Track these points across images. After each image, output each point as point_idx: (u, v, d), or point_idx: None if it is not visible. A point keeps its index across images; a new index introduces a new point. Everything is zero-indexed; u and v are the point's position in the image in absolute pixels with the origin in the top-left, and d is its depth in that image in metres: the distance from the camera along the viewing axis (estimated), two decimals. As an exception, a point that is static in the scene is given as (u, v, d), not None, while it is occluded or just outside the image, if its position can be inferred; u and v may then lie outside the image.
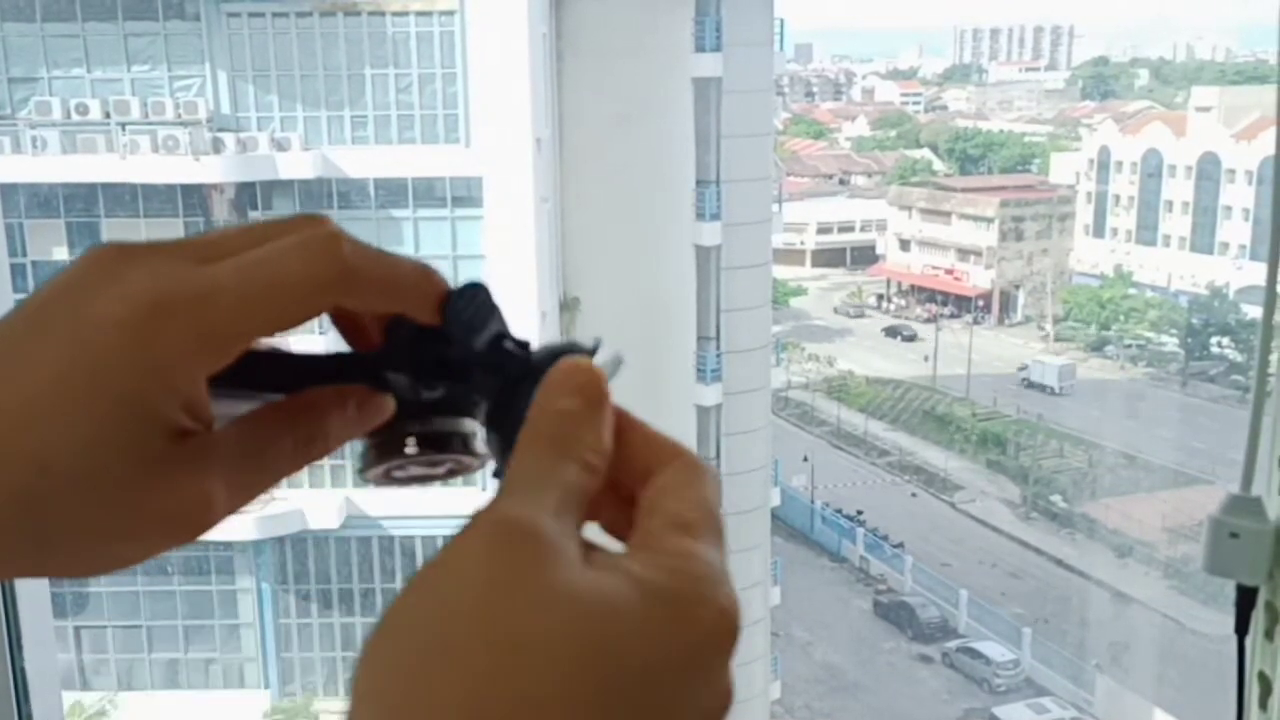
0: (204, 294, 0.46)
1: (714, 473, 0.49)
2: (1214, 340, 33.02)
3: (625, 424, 0.48)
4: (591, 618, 0.40)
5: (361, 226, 15.56)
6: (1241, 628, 1.53)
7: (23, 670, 1.91)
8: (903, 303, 42.38)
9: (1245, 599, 1.51)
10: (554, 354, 0.49)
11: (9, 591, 1.89)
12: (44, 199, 15.52)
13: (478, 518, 0.42)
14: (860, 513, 27.88)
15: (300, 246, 0.47)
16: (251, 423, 0.50)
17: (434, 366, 0.51)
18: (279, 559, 16.17)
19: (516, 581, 0.40)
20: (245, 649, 16.42)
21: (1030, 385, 33.87)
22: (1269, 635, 1.52)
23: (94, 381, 0.45)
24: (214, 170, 15.31)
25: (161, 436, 0.46)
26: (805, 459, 29.26)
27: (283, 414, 0.51)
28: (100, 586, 16.01)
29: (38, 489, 0.45)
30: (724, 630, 0.43)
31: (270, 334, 0.48)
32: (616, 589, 0.41)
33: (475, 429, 0.52)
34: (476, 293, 0.51)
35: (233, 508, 0.49)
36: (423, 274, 0.50)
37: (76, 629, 15.93)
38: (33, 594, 1.97)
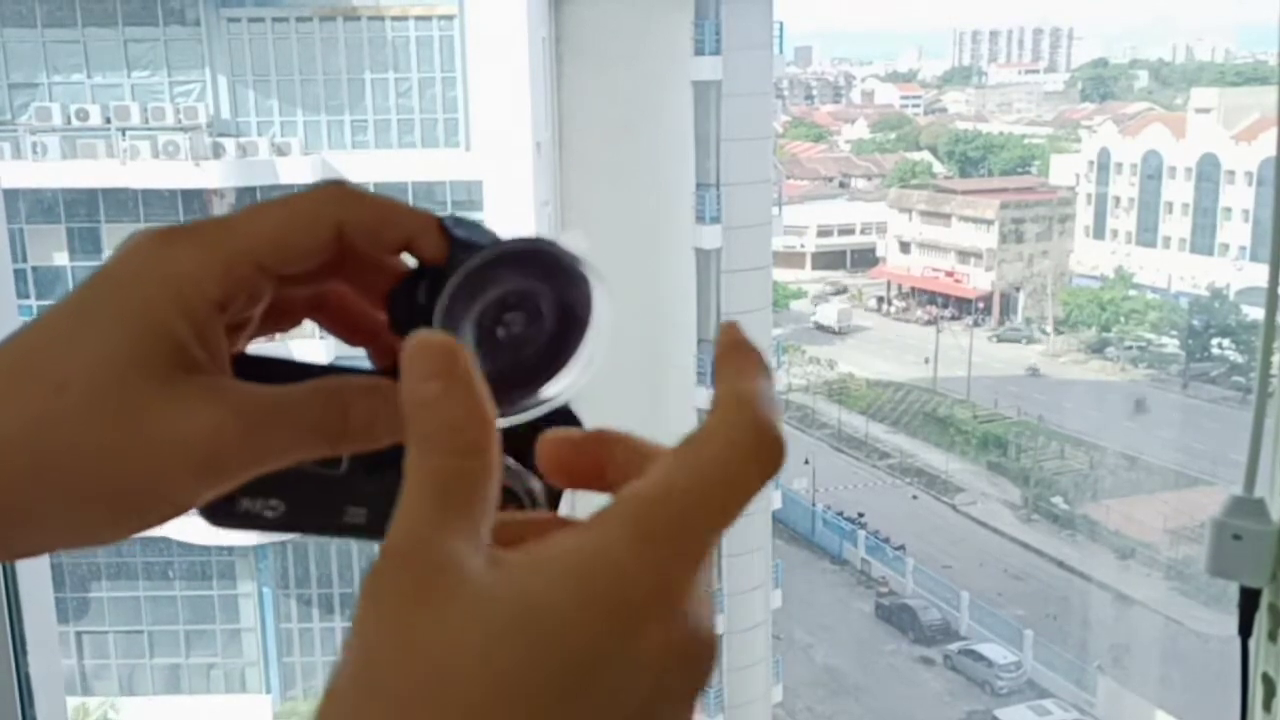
0: (216, 221, 0.49)
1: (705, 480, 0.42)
2: (1215, 341, 33.01)
3: (608, 439, 0.46)
4: (495, 622, 0.37)
5: (362, 231, 15.59)
6: (1245, 629, 1.53)
7: (27, 675, 1.91)
8: (903, 305, 42.38)
9: (1248, 601, 1.52)
10: (500, 252, 0.49)
11: (13, 595, 1.90)
12: (45, 205, 15.54)
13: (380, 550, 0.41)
14: (861, 515, 27.87)
15: (308, 187, 0.50)
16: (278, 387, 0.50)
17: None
18: (280, 563, 16.18)
19: (411, 612, 0.37)
20: (247, 654, 16.42)
21: (820, 328, 39.17)
22: (1272, 637, 1.52)
23: (109, 298, 0.47)
24: (214, 175, 15.32)
25: (174, 356, 0.47)
26: (806, 462, 29.25)
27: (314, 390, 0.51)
28: (101, 591, 16.02)
29: (55, 409, 0.46)
30: (660, 634, 0.38)
31: (280, 262, 0.49)
32: (527, 586, 0.38)
33: None
34: (464, 219, 0.51)
35: (248, 461, 0.49)
36: (420, 209, 0.51)
37: (78, 634, 15.93)
38: (36, 598, 1.97)
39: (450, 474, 0.40)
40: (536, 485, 0.52)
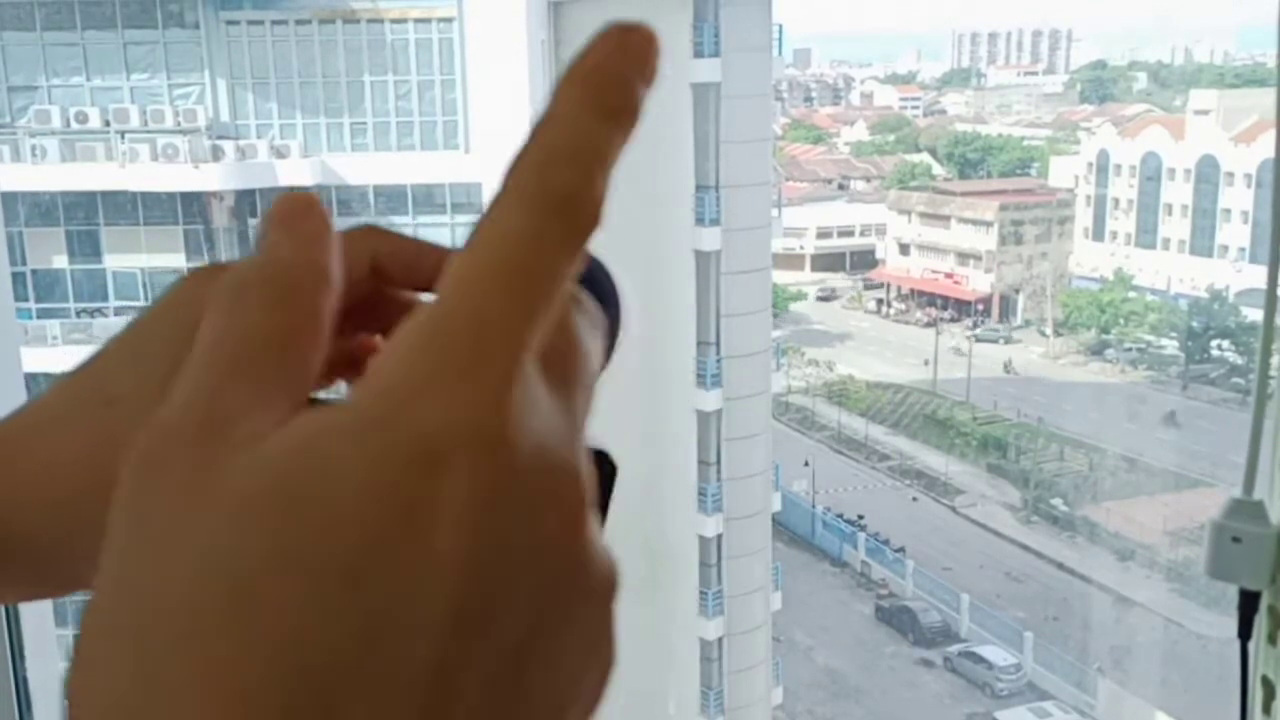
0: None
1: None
2: (1214, 343, 33.03)
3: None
4: (247, 503, 0.29)
5: (361, 233, 15.60)
6: (1244, 632, 1.53)
7: (25, 679, 1.91)
8: (903, 307, 42.41)
9: (1248, 603, 1.51)
10: None
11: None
12: (44, 207, 15.54)
13: None
14: (861, 517, 27.87)
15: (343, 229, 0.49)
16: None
17: None
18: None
19: (163, 498, 0.31)
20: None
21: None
22: (1272, 640, 1.52)
23: (161, 323, 0.48)
24: (213, 178, 15.33)
25: None
26: (806, 464, 29.26)
27: None
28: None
29: (106, 423, 0.47)
30: (468, 473, 0.29)
31: (320, 288, 0.50)
32: (297, 448, 0.30)
33: None
34: None
35: None
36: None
37: (77, 637, 15.92)
38: (35, 603, 1.97)
39: (255, 326, 0.33)
40: None
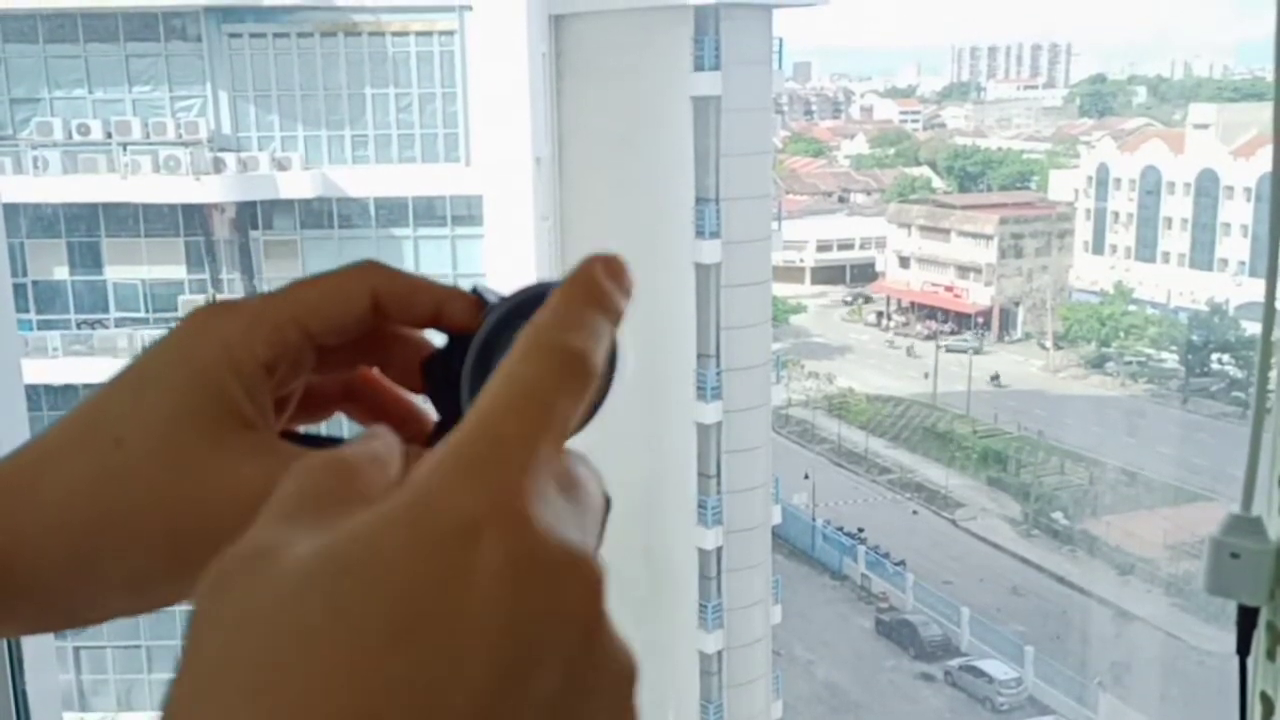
0: (264, 294, 0.52)
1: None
2: (1214, 357, 33.02)
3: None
4: (303, 580, 0.34)
5: (362, 245, 15.59)
6: (1243, 648, 1.53)
7: (24, 691, 1.91)
8: (902, 320, 42.41)
9: (1246, 619, 1.51)
10: (520, 300, 0.51)
11: (10, 614, 1.89)
12: (45, 219, 15.56)
13: None
14: (861, 530, 27.83)
15: (346, 264, 0.53)
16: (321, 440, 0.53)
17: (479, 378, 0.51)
18: (279, 578, 16.14)
19: (232, 586, 0.35)
20: (245, 669, 16.38)
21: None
22: (1271, 655, 1.52)
23: (167, 361, 0.50)
24: (215, 190, 15.35)
25: (227, 412, 0.50)
26: (806, 476, 29.23)
27: None
28: (100, 606, 15.97)
29: (114, 463, 0.48)
30: (498, 551, 0.34)
31: (323, 325, 0.52)
32: (339, 539, 0.35)
33: None
34: (491, 288, 0.54)
35: None
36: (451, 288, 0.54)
37: (76, 649, 15.89)
38: (34, 616, 1.97)
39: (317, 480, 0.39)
40: None
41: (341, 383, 0.56)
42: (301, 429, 0.56)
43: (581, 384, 0.40)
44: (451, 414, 0.52)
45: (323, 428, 0.58)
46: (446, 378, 0.52)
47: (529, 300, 0.51)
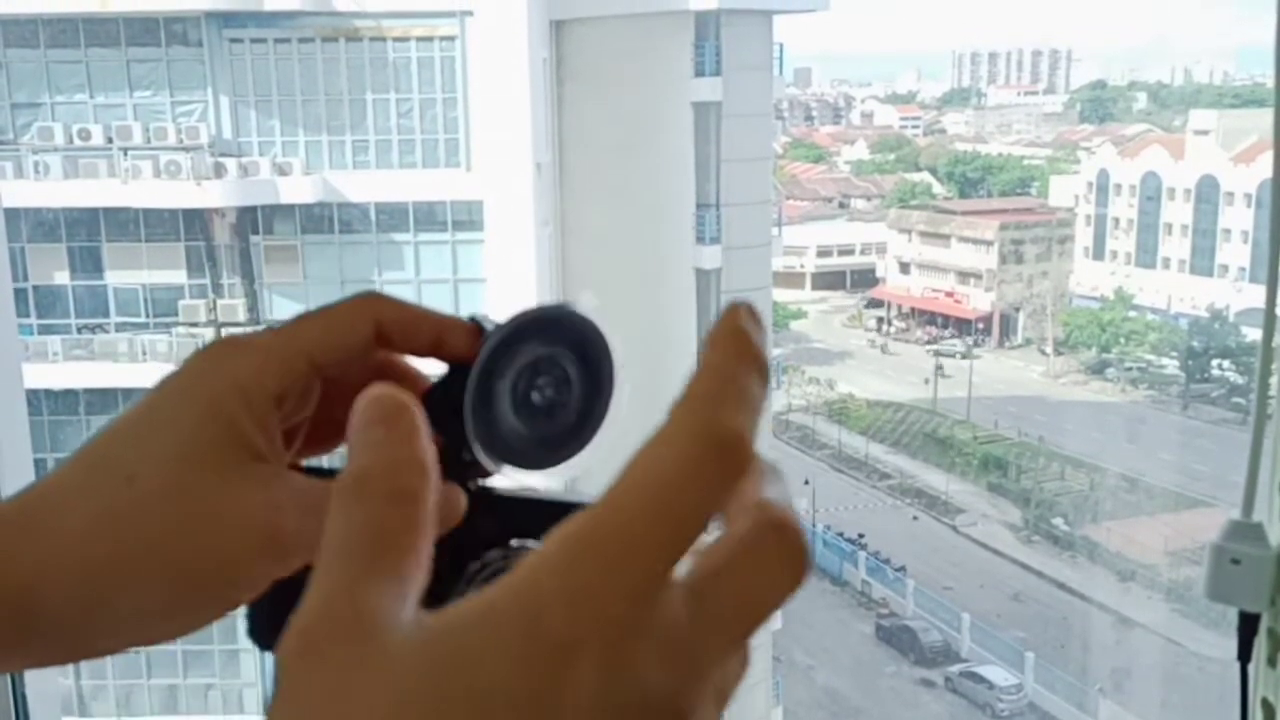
0: (270, 328, 0.54)
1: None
2: (1215, 363, 33.01)
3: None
4: (405, 682, 0.34)
5: (362, 250, 15.61)
6: (1244, 654, 1.53)
7: (24, 696, 1.91)
8: (903, 325, 42.43)
9: (1247, 625, 1.51)
10: (517, 325, 0.51)
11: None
12: (46, 224, 15.57)
13: None
14: (862, 536, 27.81)
15: (349, 295, 0.54)
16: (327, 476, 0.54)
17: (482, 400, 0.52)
18: (279, 583, 16.13)
19: (323, 675, 0.35)
20: (245, 674, 16.36)
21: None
22: (1271, 662, 1.51)
23: (177, 395, 0.51)
24: (215, 195, 15.36)
25: (237, 444, 0.50)
26: (806, 482, 29.21)
27: None
28: (99, 611, 15.95)
29: (126, 499, 0.49)
30: (593, 681, 0.33)
31: (328, 354, 0.53)
32: (441, 639, 0.34)
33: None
34: (489, 318, 0.54)
35: (309, 539, 0.48)
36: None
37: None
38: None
39: (381, 522, 0.37)
40: None
41: (346, 415, 0.57)
42: (307, 462, 0.57)
43: (735, 474, 0.36)
44: (455, 443, 0.52)
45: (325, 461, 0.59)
46: (448, 407, 0.52)
47: (527, 324, 0.51)
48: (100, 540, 0.49)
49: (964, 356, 37.38)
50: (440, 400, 0.53)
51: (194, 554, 0.50)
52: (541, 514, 0.50)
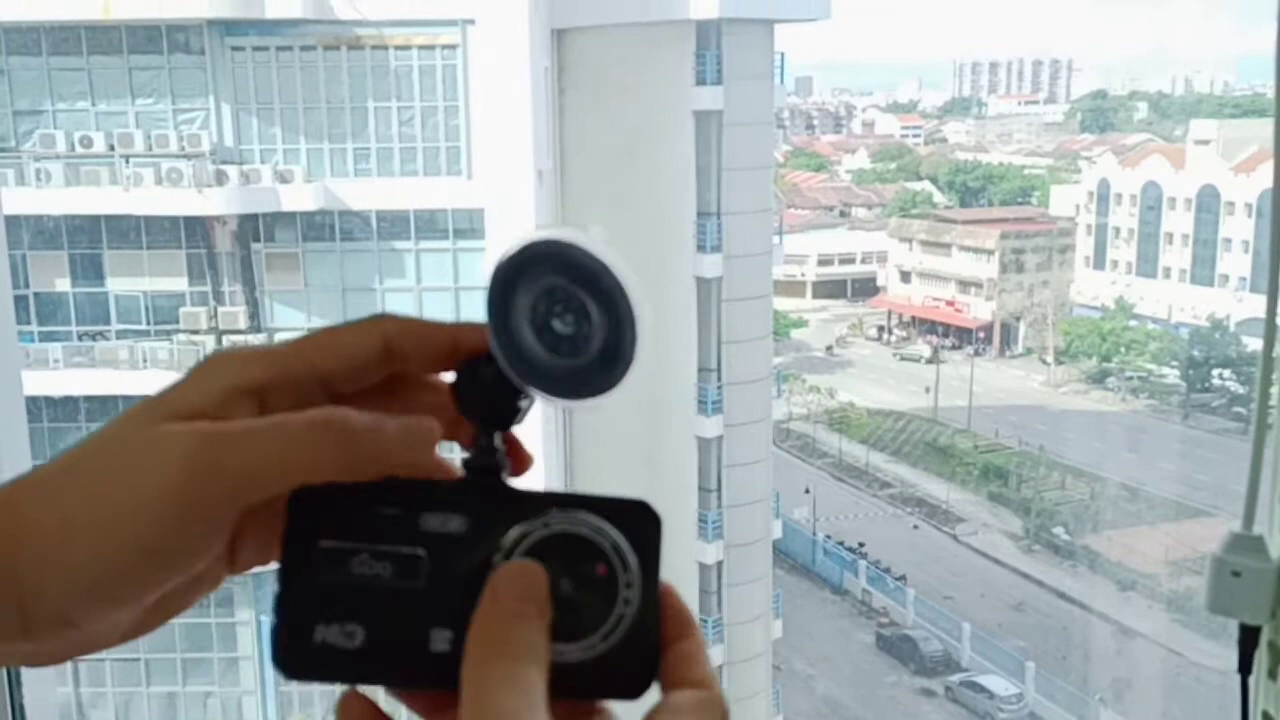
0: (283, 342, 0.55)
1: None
2: (1215, 372, 33.00)
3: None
4: None
5: (364, 258, 15.61)
6: (1245, 667, 1.52)
7: (21, 706, 1.90)
8: (904, 334, 42.41)
9: (1248, 638, 1.51)
10: (523, 256, 0.53)
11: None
12: (47, 231, 15.57)
13: None
14: (862, 545, 27.77)
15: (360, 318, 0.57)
16: None
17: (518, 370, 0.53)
18: (278, 591, 16.08)
19: None
20: (244, 682, 16.32)
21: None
22: (1272, 675, 1.51)
23: (183, 508, 0.51)
24: (217, 202, 15.37)
25: (222, 533, 0.53)
26: (807, 491, 29.18)
27: None
28: (99, 619, 15.92)
29: (138, 567, 0.51)
30: None
31: (332, 367, 0.54)
32: None
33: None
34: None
35: (248, 468, 0.52)
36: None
37: (74, 662, 15.84)
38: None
39: (526, 681, 0.48)
40: (620, 538, 0.53)
41: None
42: None
43: None
44: (491, 419, 0.54)
45: None
46: (475, 389, 0.54)
47: (538, 252, 0.52)
48: (111, 595, 0.52)
49: (929, 361, 37.66)
50: (468, 384, 0.54)
51: (169, 600, 0.54)
52: (552, 504, 0.53)
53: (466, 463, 0.54)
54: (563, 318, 0.52)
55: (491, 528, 0.52)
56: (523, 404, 0.54)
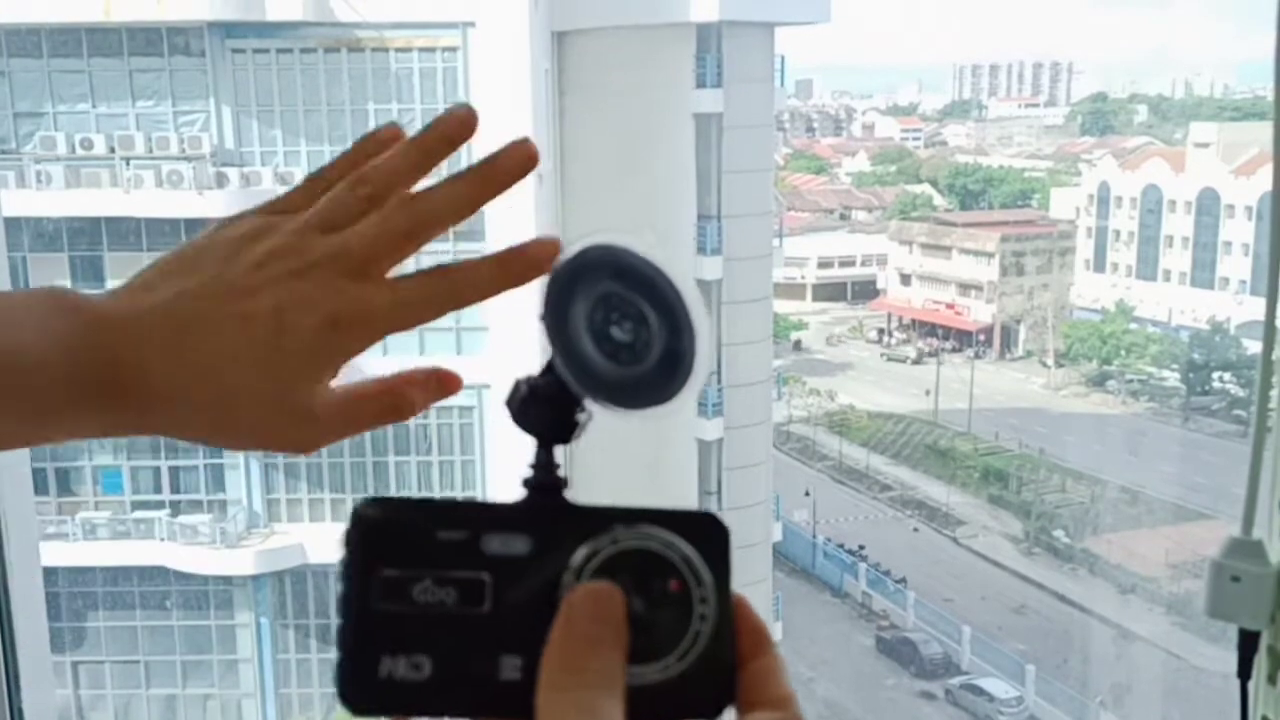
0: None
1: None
2: (1215, 375, 32.99)
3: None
4: None
5: (364, 261, 15.62)
6: (1244, 672, 1.52)
7: (20, 709, 1.90)
8: (904, 337, 42.41)
9: (1247, 643, 1.51)
10: (575, 264, 0.54)
11: (7, 629, 1.89)
12: (48, 233, 15.58)
13: None
14: (862, 548, 27.75)
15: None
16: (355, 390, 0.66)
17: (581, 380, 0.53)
18: (278, 594, 16.10)
19: None
20: (244, 684, 16.32)
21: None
22: (1272, 680, 1.51)
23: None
24: (218, 205, 15.36)
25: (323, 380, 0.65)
26: (807, 493, 29.16)
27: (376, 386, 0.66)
28: (98, 621, 15.93)
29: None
30: None
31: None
32: None
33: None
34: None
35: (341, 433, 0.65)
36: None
37: (74, 664, 15.83)
38: (31, 629, 1.96)
39: (604, 711, 0.48)
40: (691, 552, 0.52)
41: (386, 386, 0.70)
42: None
43: None
44: (551, 433, 0.54)
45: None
46: (533, 401, 0.54)
47: (593, 259, 0.53)
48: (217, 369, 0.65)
49: (915, 362, 37.82)
50: (525, 397, 0.53)
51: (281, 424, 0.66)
52: (615, 519, 0.52)
53: (527, 481, 0.53)
54: (621, 325, 0.52)
55: (557, 548, 0.51)
56: (580, 417, 0.53)
